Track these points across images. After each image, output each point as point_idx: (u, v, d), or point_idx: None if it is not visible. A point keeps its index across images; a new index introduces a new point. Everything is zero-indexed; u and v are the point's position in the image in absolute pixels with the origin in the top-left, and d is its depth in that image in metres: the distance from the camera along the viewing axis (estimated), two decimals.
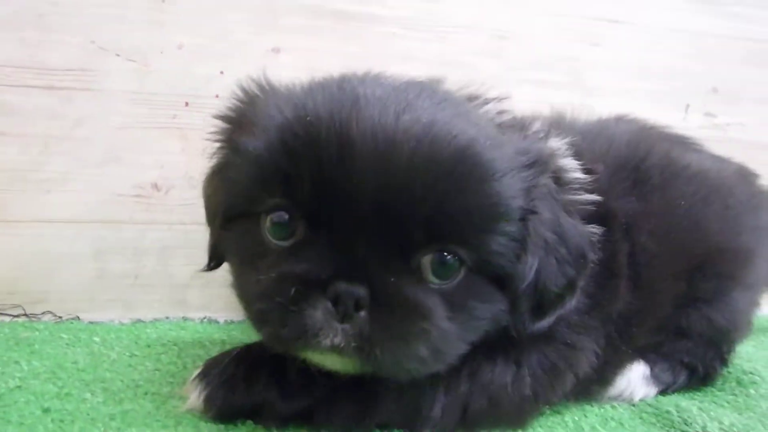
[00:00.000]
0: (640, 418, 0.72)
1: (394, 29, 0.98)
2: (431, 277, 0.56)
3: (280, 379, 0.61)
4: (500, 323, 0.61)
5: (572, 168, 0.67)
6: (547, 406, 0.68)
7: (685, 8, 1.11)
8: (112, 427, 0.59)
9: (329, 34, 0.95)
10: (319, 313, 0.53)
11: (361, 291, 0.53)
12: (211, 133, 0.65)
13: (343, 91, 0.57)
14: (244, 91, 0.65)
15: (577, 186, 0.67)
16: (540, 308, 0.62)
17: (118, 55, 0.87)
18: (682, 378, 0.80)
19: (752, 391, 0.79)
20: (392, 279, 0.54)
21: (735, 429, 0.68)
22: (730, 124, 1.17)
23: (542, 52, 1.05)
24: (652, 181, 0.79)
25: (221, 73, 0.91)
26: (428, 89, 0.61)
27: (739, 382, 0.82)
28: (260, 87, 0.65)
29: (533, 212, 0.59)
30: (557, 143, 0.69)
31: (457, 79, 0.79)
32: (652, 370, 0.78)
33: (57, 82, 0.86)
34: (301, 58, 0.94)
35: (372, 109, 0.54)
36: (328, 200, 0.54)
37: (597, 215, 0.69)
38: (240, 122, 0.63)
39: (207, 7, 0.91)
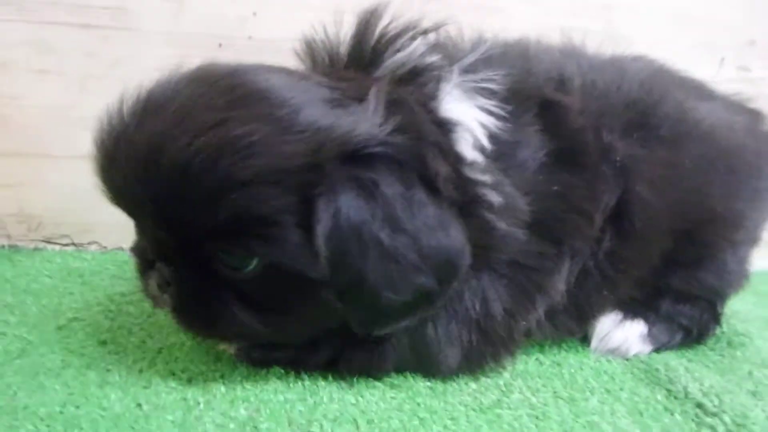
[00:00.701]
0: (631, 373, 0.77)
1: None
2: (224, 267, 0.59)
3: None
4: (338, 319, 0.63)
5: (467, 149, 0.65)
6: (525, 323, 0.73)
7: None
8: (160, 360, 0.67)
9: None
10: (153, 282, 0.63)
11: (166, 271, 0.61)
12: None
13: (135, 105, 0.60)
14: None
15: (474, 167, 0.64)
16: (378, 315, 0.62)
17: None
18: (678, 338, 0.84)
19: (738, 354, 0.84)
20: (190, 265, 0.60)
21: (713, 391, 0.72)
22: (764, 78, 1.15)
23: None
24: (660, 131, 0.77)
25: (254, 14, 0.92)
26: (235, 84, 0.59)
27: (729, 343, 0.86)
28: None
29: (318, 218, 0.55)
30: (464, 114, 0.65)
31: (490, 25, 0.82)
32: (650, 330, 0.82)
33: (93, 20, 0.88)
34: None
35: (148, 121, 0.57)
36: (125, 206, 0.62)
37: (584, 146, 0.71)
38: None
39: None
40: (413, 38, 0.68)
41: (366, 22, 0.69)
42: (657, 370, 0.78)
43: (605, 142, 0.73)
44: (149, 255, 0.63)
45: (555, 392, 0.71)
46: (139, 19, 0.89)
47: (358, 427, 0.61)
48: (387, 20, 0.68)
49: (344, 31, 0.69)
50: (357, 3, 0.72)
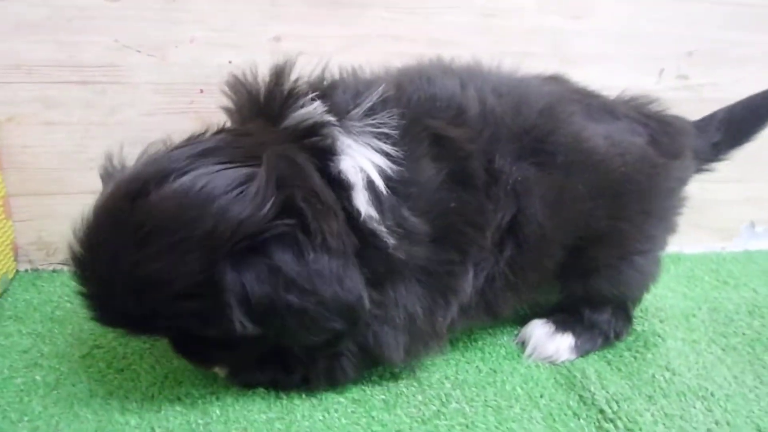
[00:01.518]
0: (554, 378, 0.91)
1: (385, 13, 1.07)
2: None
3: (281, 360, 0.82)
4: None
5: (363, 209, 0.73)
6: (443, 319, 0.85)
7: None
8: (167, 385, 0.83)
9: (325, 20, 1.05)
10: None
11: None
12: None
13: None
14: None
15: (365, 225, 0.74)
16: (310, 347, 0.76)
17: (139, 51, 1.00)
18: (599, 343, 0.99)
19: (649, 356, 0.98)
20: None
21: (615, 397, 0.86)
22: (702, 84, 1.26)
23: (526, 26, 1.13)
24: (555, 158, 0.85)
25: (230, 62, 1.03)
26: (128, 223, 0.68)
27: (645, 344, 1.01)
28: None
29: (220, 290, 0.67)
30: (357, 175, 0.74)
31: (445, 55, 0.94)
32: (576, 341, 0.97)
33: (90, 77, 1.00)
34: (300, 44, 1.04)
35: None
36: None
37: (473, 170, 0.80)
38: None
39: (215, 2, 1.01)
40: (314, 98, 0.76)
41: (277, 76, 0.79)
42: (575, 376, 0.92)
43: (496, 167, 0.82)
44: None
45: (486, 401, 0.85)
46: (128, 73, 1.01)
47: None
48: (295, 76, 0.79)
49: (261, 79, 0.80)
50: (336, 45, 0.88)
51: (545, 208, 0.85)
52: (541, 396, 0.89)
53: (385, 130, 0.77)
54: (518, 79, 0.93)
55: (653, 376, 0.94)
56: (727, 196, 1.39)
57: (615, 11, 1.17)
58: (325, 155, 0.75)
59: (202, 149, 0.72)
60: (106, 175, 0.78)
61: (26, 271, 1.09)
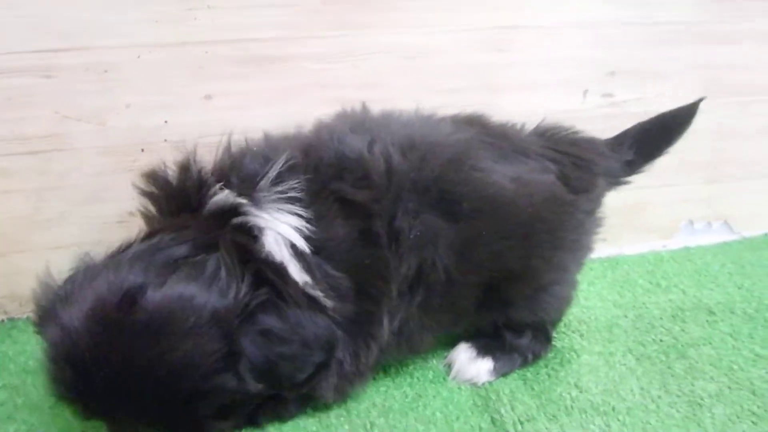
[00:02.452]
0: (473, 401, 1.01)
1: (312, 64, 1.14)
2: None
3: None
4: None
5: (297, 275, 0.83)
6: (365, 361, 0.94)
7: (587, 6, 1.21)
8: None
9: (254, 76, 1.12)
10: None
11: None
12: None
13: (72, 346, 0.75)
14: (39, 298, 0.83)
15: (308, 285, 0.83)
16: (297, 386, 0.86)
17: (79, 120, 1.09)
18: (518, 364, 1.09)
19: (562, 373, 1.07)
20: None
21: (522, 418, 0.97)
22: (627, 100, 1.32)
23: (450, 63, 1.19)
24: (461, 206, 0.91)
25: (165, 122, 1.12)
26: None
27: (561, 360, 1.11)
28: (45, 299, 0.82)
29: (235, 382, 0.78)
30: (283, 254, 0.83)
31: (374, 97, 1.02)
32: (495, 365, 1.06)
33: (37, 147, 1.09)
34: (231, 100, 1.14)
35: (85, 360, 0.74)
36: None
37: (377, 230, 0.88)
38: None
39: (145, 70, 1.09)
40: (221, 186, 0.86)
41: (183, 170, 0.89)
42: (491, 398, 1.02)
43: (396, 226, 0.89)
44: None
45: (406, 428, 0.95)
46: (72, 141, 1.10)
47: None
48: (199, 166, 0.89)
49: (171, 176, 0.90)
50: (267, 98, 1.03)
51: (452, 255, 0.92)
52: (457, 419, 0.99)
53: (295, 194, 0.86)
54: (430, 128, 0.99)
55: (561, 394, 1.04)
56: (664, 198, 1.47)
57: (535, 42, 1.23)
58: (251, 232, 0.84)
59: (159, 255, 0.81)
60: (53, 295, 0.81)
61: (2, 321, 1.21)
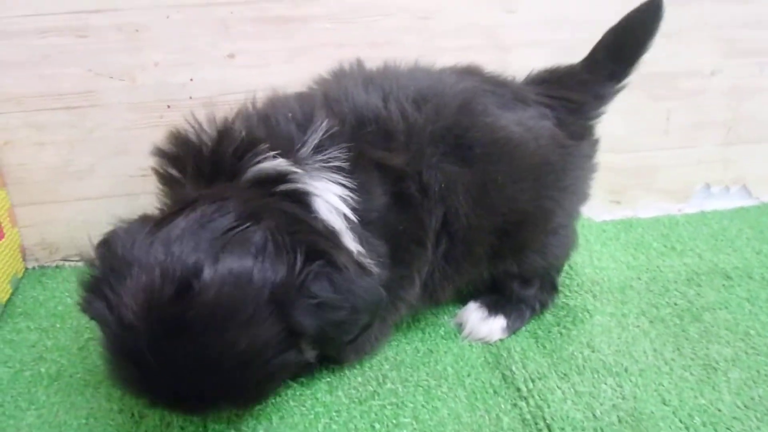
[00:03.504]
0: (483, 358, 0.95)
1: (327, 24, 1.07)
2: None
3: None
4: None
5: (350, 243, 0.75)
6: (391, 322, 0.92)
7: None
8: None
9: (273, 35, 1.05)
10: None
11: None
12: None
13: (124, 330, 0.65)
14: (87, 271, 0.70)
15: (360, 253, 0.76)
16: (340, 351, 0.85)
17: (111, 78, 1.04)
18: (527, 317, 1.02)
19: (574, 332, 0.99)
20: None
21: (533, 375, 0.90)
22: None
23: (461, 23, 1.10)
24: (474, 150, 0.86)
25: (191, 80, 1.06)
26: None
27: (573, 320, 1.03)
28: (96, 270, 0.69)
29: (298, 342, 0.71)
30: (338, 222, 0.75)
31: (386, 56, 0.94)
32: (508, 322, 0.99)
33: (71, 103, 1.05)
34: (252, 58, 1.07)
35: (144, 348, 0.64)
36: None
37: (409, 191, 0.82)
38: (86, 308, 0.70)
39: (173, 29, 1.03)
40: (273, 153, 0.74)
41: (222, 137, 0.77)
42: (502, 355, 0.95)
43: (424, 181, 0.84)
44: None
45: (418, 381, 0.90)
46: (103, 97, 1.05)
47: (271, 422, 0.84)
48: (242, 134, 0.76)
49: (206, 139, 0.78)
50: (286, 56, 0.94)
51: (470, 201, 0.86)
52: (468, 375, 0.92)
53: (339, 163, 0.78)
54: (435, 80, 0.91)
55: (572, 353, 0.96)
56: (679, 161, 1.35)
57: (543, 3, 1.14)
58: (302, 200, 0.75)
59: (206, 230, 0.68)
60: (100, 279, 0.69)
61: (33, 268, 1.18)
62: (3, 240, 1.07)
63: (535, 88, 0.97)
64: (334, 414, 0.86)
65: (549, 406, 0.86)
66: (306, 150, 0.77)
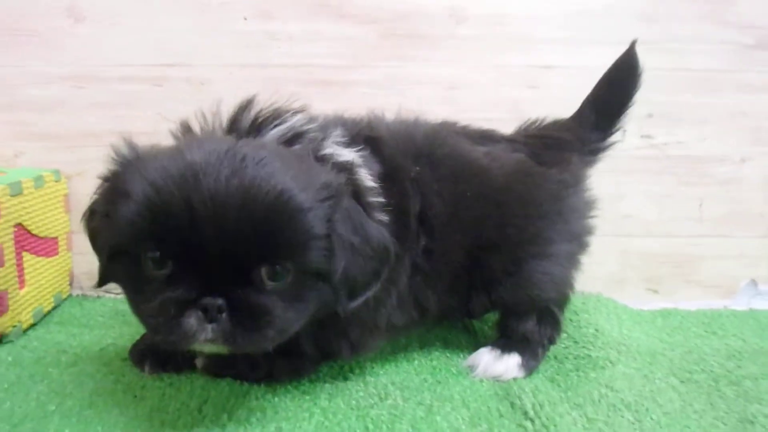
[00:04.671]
0: (494, 390, 0.94)
1: (366, 90, 1.27)
2: (268, 282, 0.74)
3: (249, 357, 0.91)
4: (329, 305, 0.81)
5: (366, 177, 0.85)
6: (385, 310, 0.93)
7: (621, 48, 1.26)
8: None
9: (317, 96, 1.25)
10: (192, 320, 0.72)
11: (219, 301, 0.72)
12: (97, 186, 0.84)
13: (187, 165, 0.72)
14: (116, 156, 0.80)
15: (373, 191, 0.85)
16: (353, 292, 0.82)
17: (175, 122, 1.25)
18: (540, 354, 1.03)
19: (592, 375, 0.99)
20: (240, 290, 0.73)
21: (543, 403, 0.88)
22: (668, 143, 1.32)
23: (487, 96, 1.27)
24: (441, 170, 0.96)
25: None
26: (256, 149, 0.76)
27: (594, 366, 1.02)
28: (129, 154, 0.80)
29: (335, 230, 0.76)
30: (352, 155, 0.86)
31: None
32: (522, 359, 1.00)
33: (139, 141, 1.26)
34: None
35: (207, 179, 0.71)
36: (187, 248, 0.72)
37: (396, 166, 0.91)
38: (114, 187, 0.78)
39: (233, 85, 1.25)
40: (292, 114, 0.86)
41: (242, 109, 0.86)
42: (512, 388, 0.95)
43: (403, 163, 0.94)
44: (191, 295, 0.72)
45: (421, 401, 0.90)
46: (167, 138, 1.26)
47: (265, 414, 0.86)
48: (259, 107, 0.86)
49: (219, 119, 0.86)
50: None
51: (443, 203, 0.95)
52: (475, 401, 0.92)
53: (342, 139, 0.89)
54: (401, 120, 1.04)
55: (589, 390, 0.95)
56: (717, 251, 1.38)
57: (566, 81, 1.29)
58: (316, 151, 0.84)
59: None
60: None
61: (77, 295, 1.30)
62: (56, 257, 1.22)
63: (515, 133, 1.09)
64: (330, 415, 0.87)
65: (557, 428, 0.84)
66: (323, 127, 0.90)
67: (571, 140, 1.07)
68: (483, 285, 1.00)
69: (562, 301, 1.07)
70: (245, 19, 1.25)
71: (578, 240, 1.05)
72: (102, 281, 0.85)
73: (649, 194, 1.35)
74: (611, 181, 1.32)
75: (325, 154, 0.85)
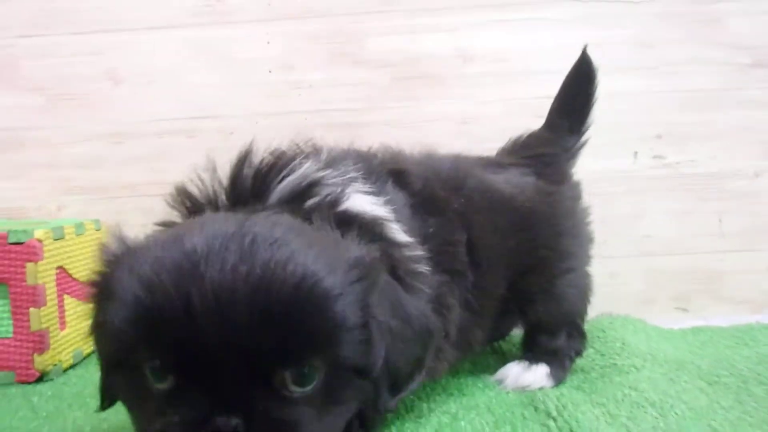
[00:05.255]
0: (520, 400, 0.97)
1: (383, 128, 1.39)
2: (294, 388, 0.61)
3: None
4: (364, 402, 0.70)
5: (399, 234, 0.78)
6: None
7: (621, 76, 1.38)
8: None
9: (339, 137, 1.35)
10: None
11: (234, 421, 0.58)
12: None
13: (185, 253, 0.60)
14: (106, 253, 0.68)
15: (409, 259, 0.77)
16: (395, 385, 0.72)
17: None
18: (568, 365, 1.07)
19: (617, 380, 1.02)
20: (260, 405, 0.59)
21: (567, 403, 0.92)
22: (680, 162, 1.39)
23: (498, 127, 1.35)
24: (474, 201, 0.97)
25: None
26: (264, 228, 0.64)
27: (620, 372, 1.05)
28: (117, 249, 0.67)
29: (372, 315, 0.65)
30: (380, 210, 0.79)
31: None
32: (551, 369, 1.05)
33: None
34: None
35: (210, 269, 0.59)
36: (189, 357, 0.58)
37: (432, 197, 0.91)
38: (102, 289, 0.66)
39: (260, 132, 1.35)
40: (302, 161, 0.78)
41: (241, 163, 0.79)
42: (537, 396, 0.98)
43: (443, 195, 0.94)
44: (200, 416, 0.59)
45: (446, 410, 0.94)
46: None
47: None
48: (258, 158, 0.79)
49: (214, 178, 0.80)
50: None
51: (485, 235, 0.98)
52: (500, 408, 0.95)
53: (356, 174, 0.83)
54: (423, 155, 1.07)
55: (613, 393, 0.98)
56: (743, 266, 1.42)
57: None
58: (335, 206, 0.76)
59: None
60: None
61: None
62: None
63: (510, 156, 1.16)
64: None
65: (579, 423, 0.87)
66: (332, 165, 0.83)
67: (559, 152, 1.16)
68: (519, 307, 1.06)
69: (585, 312, 1.13)
70: (269, 71, 1.41)
71: (589, 248, 1.12)
72: (104, 400, 0.75)
73: (668, 212, 1.41)
74: (628, 201, 1.41)
75: (347, 211, 0.76)
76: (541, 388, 1.04)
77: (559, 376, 1.07)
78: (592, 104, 1.20)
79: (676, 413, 0.91)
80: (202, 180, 0.80)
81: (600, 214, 1.36)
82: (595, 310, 1.36)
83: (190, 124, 1.39)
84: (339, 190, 0.77)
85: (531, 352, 1.10)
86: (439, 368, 0.90)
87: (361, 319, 0.64)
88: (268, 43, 1.42)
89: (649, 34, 1.39)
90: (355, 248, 0.69)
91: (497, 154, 1.20)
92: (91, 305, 0.71)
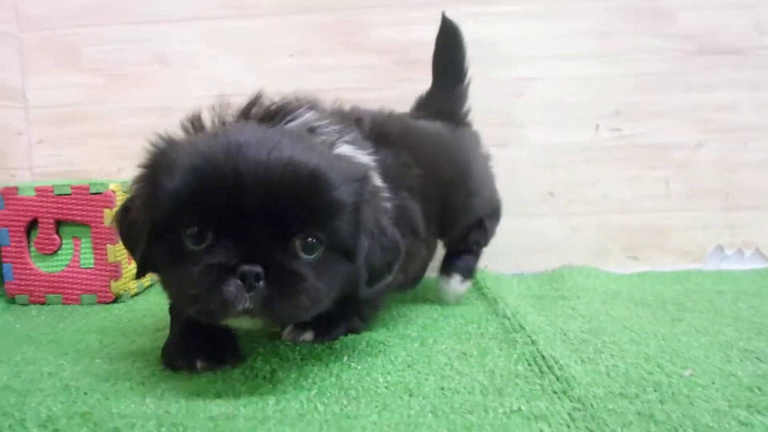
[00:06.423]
0: (485, 310, 1.36)
1: (385, 104, 1.68)
2: (302, 254, 0.85)
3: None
4: (349, 286, 0.95)
5: (379, 183, 1.02)
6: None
7: (584, 61, 1.74)
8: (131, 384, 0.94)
9: None
10: (232, 288, 0.79)
11: (258, 269, 0.80)
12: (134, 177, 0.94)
13: (231, 141, 0.83)
14: (156, 144, 0.92)
15: (384, 196, 1.01)
16: (371, 278, 0.97)
17: None
18: (474, 253, 1.50)
19: (560, 303, 1.43)
20: (277, 258, 0.82)
21: (520, 312, 1.31)
22: (634, 134, 1.75)
23: (482, 105, 1.68)
24: (413, 137, 1.29)
25: None
26: (287, 133, 0.89)
27: (564, 298, 1.46)
28: (168, 141, 0.92)
29: (361, 211, 0.90)
30: (366, 159, 1.02)
31: None
32: (461, 276, 1.44)
33: None
34: None
35: (251, 151, 0.82)
36: (230, 214, 0.81)
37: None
38: (157, 167, 0.88)
39: None
40: (306, 109, 0.98)
41: (251, 104, 0.98)
42: (500, 309, 1.34)
43: (393, 132, 1.23)
44: (231, 262, 0.80)
45: (424, 325, 1.34)
46: None
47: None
48: (269, 100, 0.98)
49: (226, 112, 0.98)
50: None
51: (427, 158, 1.27)
52: (470, 314, 1.33)
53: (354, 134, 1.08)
54: (380, 113, 1.38)
55: (556, 310, 1.35)
56: (685, 223, 1.78)
57: (547, 91, 1.76)
58: (330, 149, 0.97)
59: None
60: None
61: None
62: None
63: (418, 112, 1.51)
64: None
65: (527, 322, 1.23)
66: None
67: (454, 102, 1.52)
68: (449, 221, 1.39)
69: (492, 217, 1.51)
70: (291, 56, 1.78)
71: (492, 181, 1.52)
72: (141, 269, 0.96)
73: (623, 177, 1.78)
74: (590, 167, 1.77)
75: (339, 155, 0.97)
76: (500, 299, 1.42)
77: (467, 272, 1.46)
78: (465, 57, 1.54)
79: (599, 320, 1.27)
80: (215, 111, 0.99)
81: (564, 179, 1.76)
82: (558, 261, 1.77)
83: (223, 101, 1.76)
84: (334, 138, 1.00)
85: (446, 268, 1.47)
86: (414, 266, 1.27)
87: (353, 209, 0.90)
88: (288, 32, 1.79)
89: (607, 26, 1.74)
90: (348, 163, 0.95)
91: (410, 112, 1.54)
92: (134, 191, 0.93)
